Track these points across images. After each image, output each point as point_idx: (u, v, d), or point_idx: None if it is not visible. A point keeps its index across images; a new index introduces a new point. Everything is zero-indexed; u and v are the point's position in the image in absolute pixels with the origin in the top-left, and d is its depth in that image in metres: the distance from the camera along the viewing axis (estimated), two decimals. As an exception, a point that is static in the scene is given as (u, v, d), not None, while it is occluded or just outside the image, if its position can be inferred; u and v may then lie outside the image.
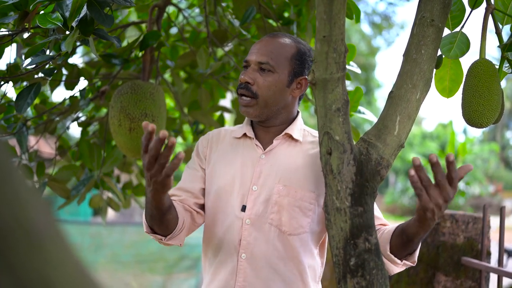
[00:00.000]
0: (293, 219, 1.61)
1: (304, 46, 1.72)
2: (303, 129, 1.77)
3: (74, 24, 1.63)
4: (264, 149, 1.72)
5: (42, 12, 1.70)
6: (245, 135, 1.76)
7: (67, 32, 1.65)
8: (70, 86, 2.48)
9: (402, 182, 28.72)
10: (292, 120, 1.76)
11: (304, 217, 1.62)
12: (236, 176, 1.70)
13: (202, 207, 1.77)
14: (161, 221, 1.53)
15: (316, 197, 1.63)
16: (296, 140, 1.72)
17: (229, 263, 1.65)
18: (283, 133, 1.71)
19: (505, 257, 14.62)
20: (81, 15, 1.64)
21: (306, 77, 1.69)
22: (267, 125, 1.73)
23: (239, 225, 1.65)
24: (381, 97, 33.42)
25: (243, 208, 1.65)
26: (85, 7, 1.64)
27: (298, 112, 1.81)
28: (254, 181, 1.67)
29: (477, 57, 1.59)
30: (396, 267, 1.53)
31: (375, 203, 1.48)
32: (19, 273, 0.40)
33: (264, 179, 1.67)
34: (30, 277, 0.41)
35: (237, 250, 1.64)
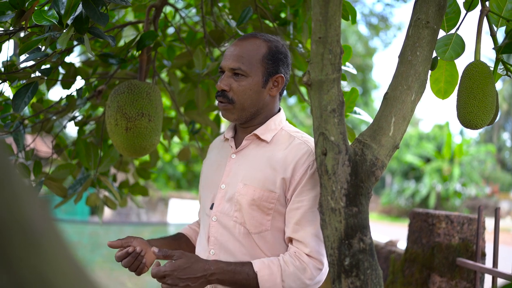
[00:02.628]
0: (253, 218, 1.65)
1: (276, 43, 1.74)
2: (280, 129, 1.78)
3: (69, 22, 1.64)
4: (236, 149, 1.78)
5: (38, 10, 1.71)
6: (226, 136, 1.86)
7: (64, 31, 1.66)
8: (67, 85, 2.48)
9: (399, 183, 28.77)
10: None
11: (264, 215, 1.66)
12: (211, 176, 1.81)
13: None
14: None
15: (277, 196, 1.65)
16: (264, 141, 1.74)
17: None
18: (251, 133, 1.75)
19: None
20: (77, 13, 1.65)
21: (282, 74, 1.72)
22: (246, 125, 1.78)
23: (208, 223, 1.73)
24: (378, 98, 33.48)
25: (212, 206, 1.74)
26: (80, 5, 1.65)
27: (279, 110, 1.83)
28: (223, 180, 1.75)
29: (472, 58, 1.60)
30: None
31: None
32: (17, 271, 0.40)
33: (231, 178, 1.73)
34: (28, 275, 0.41)
35: (207, 246, 1.72)
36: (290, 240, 1.66)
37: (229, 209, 1.69)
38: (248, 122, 1.76)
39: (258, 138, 1.75)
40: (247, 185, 1.67)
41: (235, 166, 1.74)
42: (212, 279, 1.53)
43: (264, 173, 1.67)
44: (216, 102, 1.85)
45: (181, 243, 1.87)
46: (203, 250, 1.73)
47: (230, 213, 1.68)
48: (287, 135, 1.76)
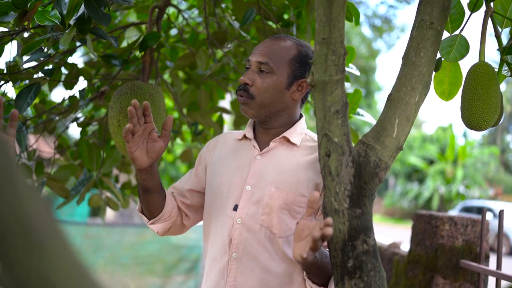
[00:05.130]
0: (283, 221, 1.62)
1: (306, 48, 1.72)
2: (305, 133, 1.76)
3: (71, 22, 1.63)
4: (261, 150, 1.73)
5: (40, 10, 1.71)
6: (245, 136, 1.79)
7: (66, 32, 1.66)
8: (69, 86, 2.48)
9: (402, 185, 28.76)
10: (293, 123, 1.76)
11: (293, 219, 1.62)
12: (232, 176, 1.73)
13: (189, 207, 1.85)
14: (144, 201, 1.70)
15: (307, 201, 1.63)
16: (294, 144, 1.71)
17: (220, 262, 1.67)
18: (280, 136, 1.71)
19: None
20: (79, 13, 1.65)
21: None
22: (267, 126, 1.74)
23: (230, 224, 1.67)
24: (381, 100, 33.47)
25: (235, 208, 1.67)
26: (83, 5, 1.65)
27: (301, 115, 1.81)
28: (249, 181, 1.69)
29: (476, 60, 1.59)
30: None
31: None
32: (19, 271, 0.41)
33: (257, 180, 1.68)
34: (30, 276, 0.41)
35: (228, 249, 1.65)
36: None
37: (255, 211, 1.64)
38: (268, 123, 1.73)
39: (288, 141, 1.72)
40: (280, 189, 1.63)
41: (261, 168, 1.69)
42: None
43: (296, 177, 1.64)
44: (235, 97, 1.80)
45: (161, 194, 1.74)
46: (221, 253, 1.67)
47: (257, 216, 1.64)
48: (312, 140, 1.74)
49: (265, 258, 1.62)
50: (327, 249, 1.57)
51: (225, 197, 1.72)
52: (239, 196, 1.69)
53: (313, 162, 1.66)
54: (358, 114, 2.18)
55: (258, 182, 1.67)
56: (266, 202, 1.63)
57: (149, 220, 1.75)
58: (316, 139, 1.72)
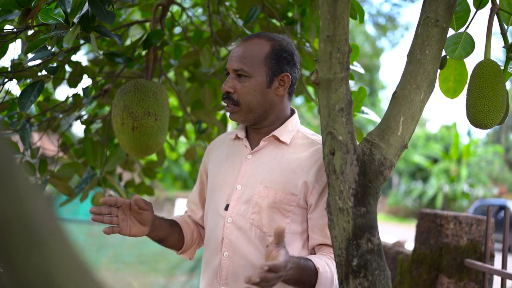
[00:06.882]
0: (272, 220, 1.62)
1: (280, 42, 1.70)
2: (297, 130, 1.75)
3: (75, 20, 1.63)
4: (252, 150, 1.74)
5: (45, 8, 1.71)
6: (238, 136, 1.80)
7: (70, 29, 1.66)
8: (73, 83, 2.48)
9: (406, 183, 28.73)
10: (284, 120, 1.75)
11: (283, 217, 1.62)
12: (225, 176, 1.75)
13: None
14: (164, 246, 1.84)
15: (297, 199, 1.63)
16: (283, 142, 1.71)
17: (213, 261, 1.69)
18: (270, 134, 1.71)
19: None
20: (83, 11, 1.65)
21: (287, 73, 1.69)
22: (257, 126, 1.75)
23: (221, 224, 1.68)
24: (385, 98, 33.42)
25: (226, 207, 1.69)
26: (87, 3, 1.64)
27: (293, 111, 1.80)
28: (239, 181, 1.70)
29: (482, 57, 1.58)
30: None
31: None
32: (20, 268, 0.40)
33: (248, 179, 1.69)
34: (31, 273, 0.41)
35: (220, 248, 1.67)
36: (319, 245, 1.62)
37: (245, 211, 1.65)
38: (258, 124, 1.72)
39: (277, 139, 1.71)
40: (268, 188, 1.63)
41: (252, 167, 1.70)
42: (288, 274, 1.38)
43: (285, 176, 1.64)
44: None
45: (174, 231, 1.82)
46: (214, 252, 1.69)
47: (247, 215, 1.64)
48: (305, 137, 1.73)
49: (256, 257, 1.62)
50: (327, 254, 1.57)
51: (218, 197, 1.74)
52: (230, 196, 1.70)
53: (303, 160, 1.66)
54: (363, 112, 2.17)
55: (248, 181, 1.68)
56: (255, 201, 1.64)
57: (177, 251, 1.89)
58: (309, 136, 1.73)
